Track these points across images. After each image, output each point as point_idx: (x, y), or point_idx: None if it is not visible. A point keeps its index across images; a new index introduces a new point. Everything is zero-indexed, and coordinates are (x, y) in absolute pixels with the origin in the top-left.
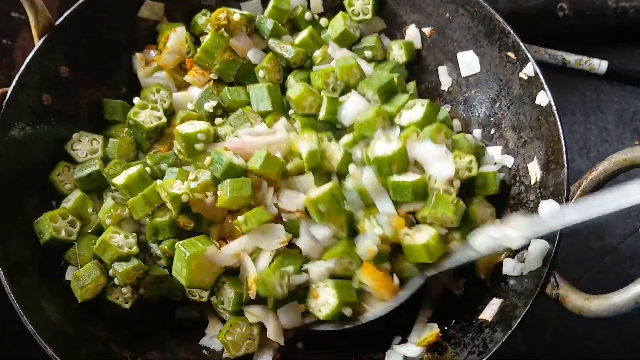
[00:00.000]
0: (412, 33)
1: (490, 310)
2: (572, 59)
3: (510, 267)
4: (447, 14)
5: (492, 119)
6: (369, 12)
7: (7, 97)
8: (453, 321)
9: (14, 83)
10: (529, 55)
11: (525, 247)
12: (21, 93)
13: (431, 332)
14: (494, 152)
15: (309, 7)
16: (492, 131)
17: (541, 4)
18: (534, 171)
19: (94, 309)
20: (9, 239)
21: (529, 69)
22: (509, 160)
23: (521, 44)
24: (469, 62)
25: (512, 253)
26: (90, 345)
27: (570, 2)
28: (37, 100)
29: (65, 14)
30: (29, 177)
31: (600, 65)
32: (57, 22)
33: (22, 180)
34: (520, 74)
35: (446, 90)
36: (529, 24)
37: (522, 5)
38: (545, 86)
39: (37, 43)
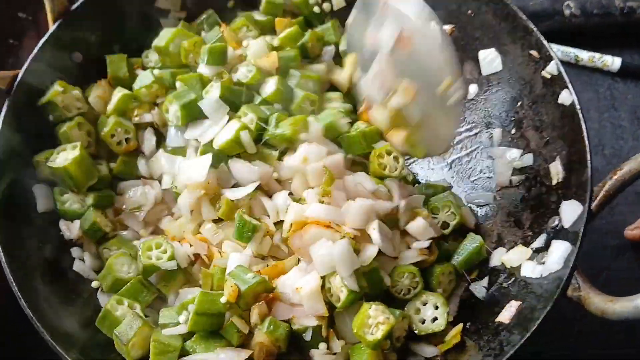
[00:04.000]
0: None
1: (508, 313)
2: (585, 56)
3: (529, 269)
4: (470, 11)
5: (513, 119)
6: None
7: (17, 80)
8: (469, 323)
9: (25, 65)
10: (552, 54)
11: (546, 248)
12: (32, 76)
13: (454, 332)
14: (513, 154)
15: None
16: (513, 131)
17: (547, 2)
18: (556, 171)
19: None
20: (20, 239)
21: (552, 68)
22: (528, 160)
23: (544, 42)
24: (490, 60)
25: (532, 255)
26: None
27: (577, 1)
28: (49, 84)
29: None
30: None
31: (613, 62)
32: (73, 7)
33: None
34: (543, 72)
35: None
36: (535, 22)
37: (529, 3)
38: (569, 84)
39: (51, 27)
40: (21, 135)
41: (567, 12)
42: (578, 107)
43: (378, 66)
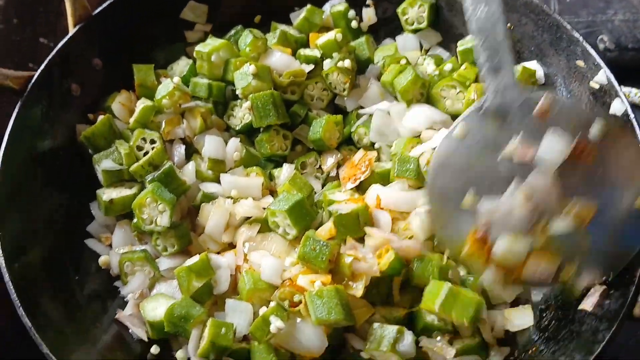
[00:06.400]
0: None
1: None
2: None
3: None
4: (509, 24)
5: None
6: (424, 20)
7: (32, 80)
8: None
9: (42, 67)
10: (600, 62)
11: None
12: (48, 79)
13: None
14: None
15: (360, 19)
16: None
17: (581, 36)
18: None
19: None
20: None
21: (601, 77)
22: None
23: (591, 51)
24: None
25: None
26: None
27: (611, 34)
28: (64, 88)
29: (104, 5)
30: (41, 165)
31: None
32: (95, 12)
33: (33, 167)
34: (591, 83)
35: None
36: None
37: None
38: (621, 93)
39: (71, 31)
40: (27, 136)
41: (601, 46)
42: (632, 115)
43: (537, 183)
